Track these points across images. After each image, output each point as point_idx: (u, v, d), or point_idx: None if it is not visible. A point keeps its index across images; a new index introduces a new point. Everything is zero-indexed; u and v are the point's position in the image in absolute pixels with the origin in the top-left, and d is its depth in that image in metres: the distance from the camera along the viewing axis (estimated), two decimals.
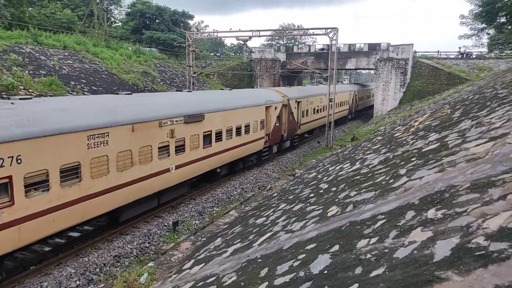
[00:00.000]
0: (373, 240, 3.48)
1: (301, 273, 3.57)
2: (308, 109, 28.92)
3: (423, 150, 6.22)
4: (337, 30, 25.64)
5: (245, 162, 20.37)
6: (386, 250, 3.10)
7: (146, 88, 32.05)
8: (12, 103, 9.53)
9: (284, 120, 24.49)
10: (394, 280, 2.50)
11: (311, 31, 32.98)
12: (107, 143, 10.87)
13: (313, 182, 10.42)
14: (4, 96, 16.84)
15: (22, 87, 21.16)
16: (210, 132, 16.04)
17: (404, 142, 8.62)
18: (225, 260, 6.06)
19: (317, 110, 31.35)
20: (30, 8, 41.95)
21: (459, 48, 43.92)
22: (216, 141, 16.50)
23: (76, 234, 11.58)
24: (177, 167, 14.05)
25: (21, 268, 9.92)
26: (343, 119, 41.70)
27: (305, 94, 29.01)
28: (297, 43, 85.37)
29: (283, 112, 24.06)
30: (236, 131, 18.30)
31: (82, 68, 28.00)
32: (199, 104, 15.70)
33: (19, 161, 8.64)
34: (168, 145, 13.50)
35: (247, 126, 19.33)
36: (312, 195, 8.07)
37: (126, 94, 13.89)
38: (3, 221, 8.43)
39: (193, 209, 15.28)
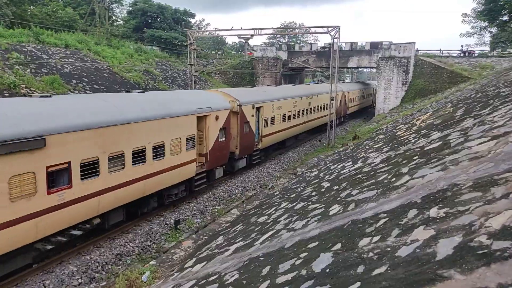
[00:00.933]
0: (375, 238, 3.48)
1: (303, 272, 3.57)
2: (274, 116, 22.61)
3: (426, 148, 6.20)
4: (339, 29, 25.61)
5: (163, 197, 14.28)
6: (388, 249, 3.10)
7: (148, 87, 32.08)
8: None
9: (235, 132, 18.54)
10: (396, 279, 2.49)
11: (313, 30, 32.78)
12: None
13: (315, 181, 10.42)
14: None
15: (24, 86, 21.22)
16: (66, 166, 9.87)
17: (406, 140, 8.60)
18: (227, 259, 6.06)
19: (290, 116, 25.12)
20: (31, 7, 42.04)
21: (461, 46, 43.89)
22: (83, 178, 10.37)
23: None
24: None
25: None
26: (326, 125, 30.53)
27: (269, 97, 22.38)
28: (298, 41, 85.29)
29: (231, 123, 17.95)
30: (134, 157, 12.06)
31: (83, 67, 28.05)
32: (33, 119, 9.29)
33: None
34: None
35: (158, 147, 13.09)
36: (314, 193, 8.07)
37: None
38: None
39: (194, 207, 15.32)
